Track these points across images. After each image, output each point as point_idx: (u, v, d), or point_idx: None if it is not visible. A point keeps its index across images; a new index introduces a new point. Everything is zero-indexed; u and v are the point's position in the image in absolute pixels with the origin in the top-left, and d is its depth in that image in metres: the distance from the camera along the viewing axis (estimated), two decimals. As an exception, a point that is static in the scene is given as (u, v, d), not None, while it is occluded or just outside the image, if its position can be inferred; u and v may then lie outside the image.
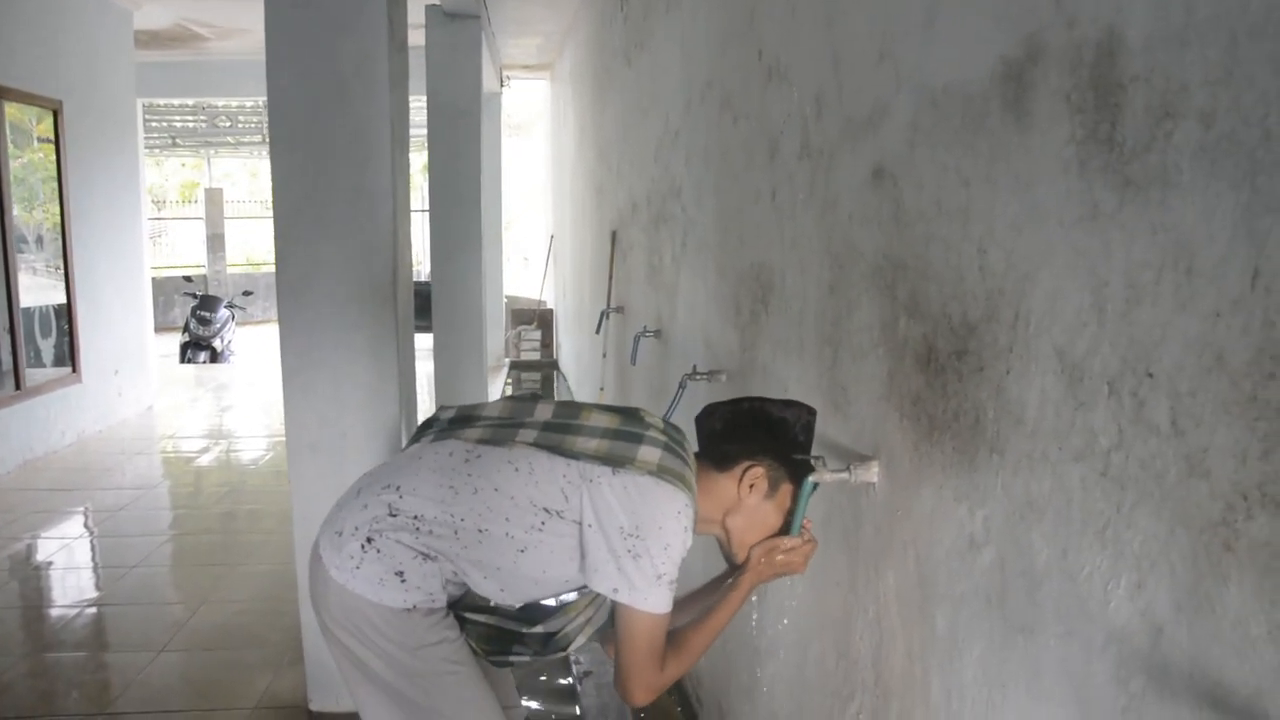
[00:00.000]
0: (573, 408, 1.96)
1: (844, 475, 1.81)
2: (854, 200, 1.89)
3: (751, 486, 1.88)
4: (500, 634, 1.89)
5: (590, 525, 1.77)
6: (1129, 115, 1.09)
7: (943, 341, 1.54)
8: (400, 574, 1.77)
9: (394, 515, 1.79)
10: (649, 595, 1.75)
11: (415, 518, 1.78)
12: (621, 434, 1.85)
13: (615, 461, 1.79)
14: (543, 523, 1.78)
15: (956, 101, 1.48)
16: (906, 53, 1.66)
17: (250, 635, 4.08)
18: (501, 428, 1.90)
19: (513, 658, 1.91)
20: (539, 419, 1.91)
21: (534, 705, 3.59)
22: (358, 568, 1.77)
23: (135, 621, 4.23)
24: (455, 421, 1.96)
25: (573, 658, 3.84)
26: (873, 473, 1.80)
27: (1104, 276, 1.13)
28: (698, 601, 2.02)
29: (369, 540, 1.78)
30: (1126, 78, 1.09)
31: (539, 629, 1.87)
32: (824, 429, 2.07)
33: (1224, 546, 0.96)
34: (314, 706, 3.44)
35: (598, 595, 1.84)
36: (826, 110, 2.03)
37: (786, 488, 1.89)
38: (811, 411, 1.94)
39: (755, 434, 1.92)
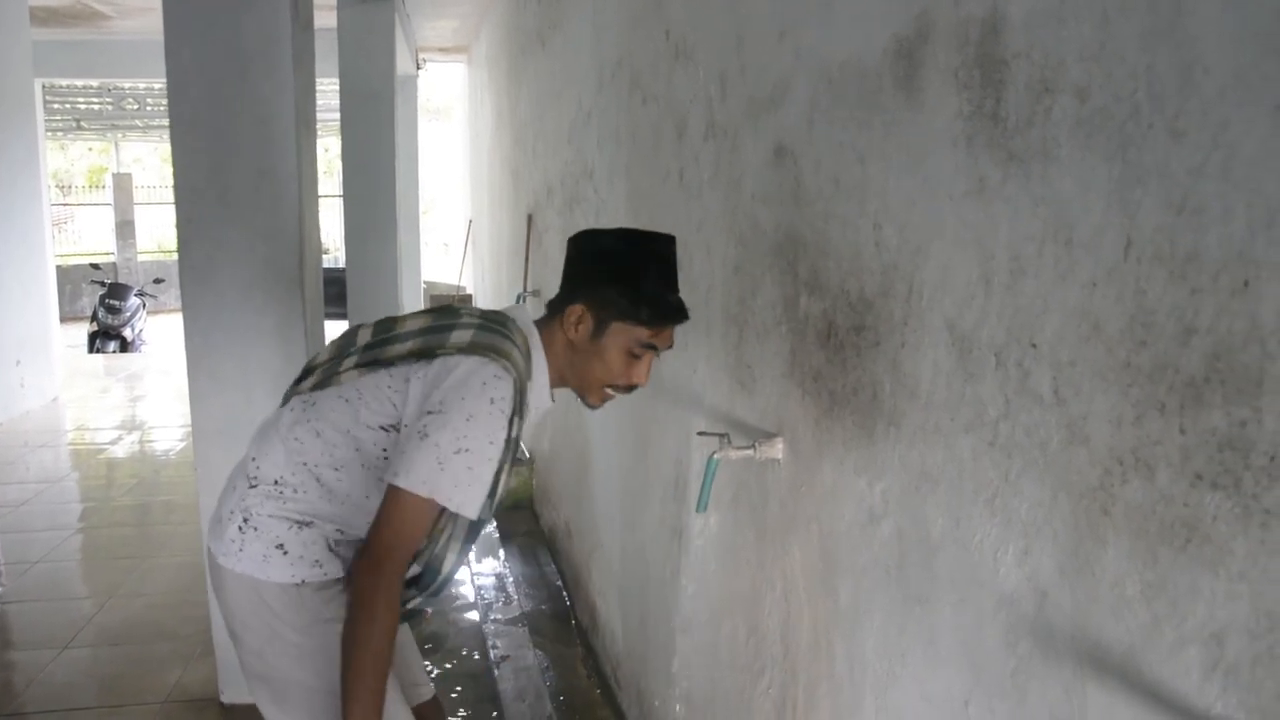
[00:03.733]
0: (389, 322, 1.88)
1: (749, 452, 1.82)
2: (757, 179, 1.90)
3: (577, 326, 1.79)
4: None
5: (408, 423, 1.70)
6: (1011, 91, 1.11)
7: (842, 317, 1.56)
8: (281, 547, 1.74)
9: (254, 486, 1.76)
10: (426, 478, 1.61)
11: (276, 483, 1.75)
12: (433, 329, 1.78)
13: (428, 354, 1.73)
14: (386, 446, 1.73)
15: (852, 79, 1.50)
16: (806, 31, 1.67)
17: (160, 629, 3.99)
18: (329, 367, 1.85)
19: (407, 605, 1.84)
20: (360, 344, 1.85)
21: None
22: (240, 550, 1.75)
23: (38, 618, 4.11)
24: (296, 380, 1.93)
25: (489, 643, 3.83)
26: (777, 449, 1.81)
27: (990, 249, 1.16)
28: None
29: (245, 520, 1.76)
30: (1009, 54, 1.11)
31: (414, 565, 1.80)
32: (730, 408, 2.09)
33: (1102, 511, 0.99)
34: (225, 699, 3.37)
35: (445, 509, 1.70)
36: (730, 89, 2.04)
37: (618, 326, 1.76)
38: (667, 240, 1.84)
39: (588, 271, 1.81)
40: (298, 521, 1.75)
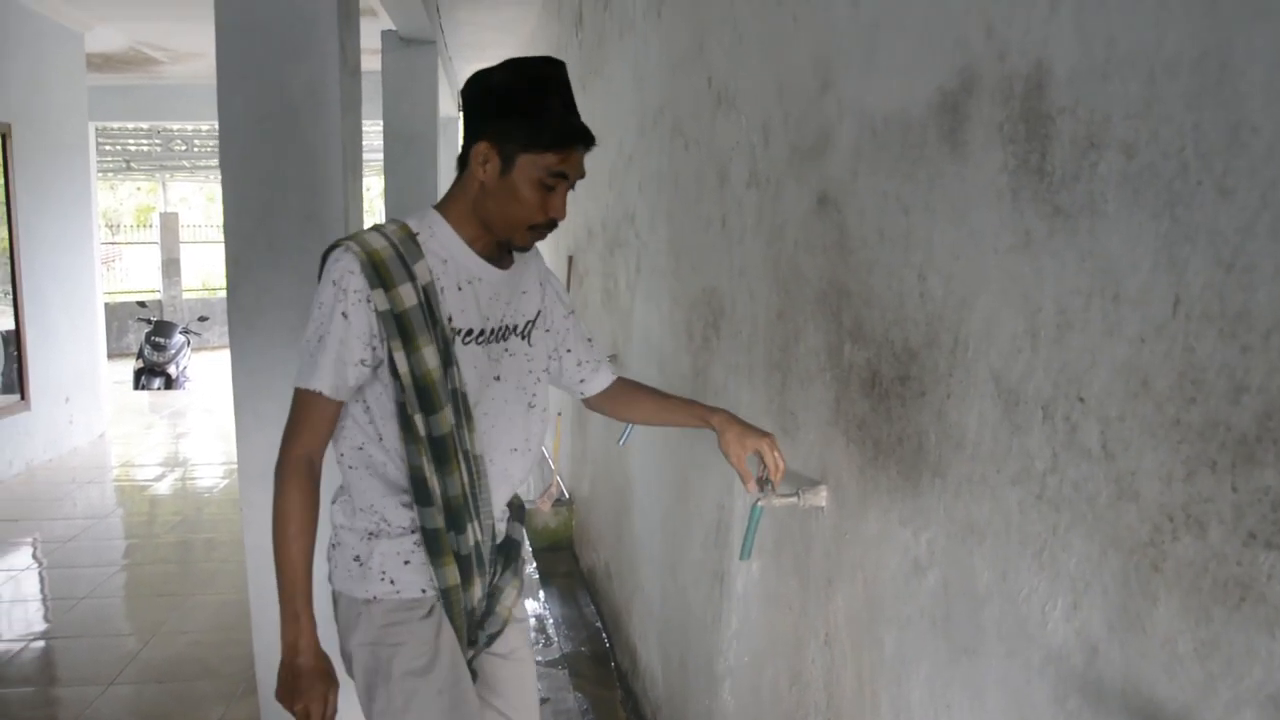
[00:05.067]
0: None
1: (793, 500, 1.82)
2: (800, 228, 1.91)
3: (485, 166, 1.75)
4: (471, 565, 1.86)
5: None
6: (1057, 146, 1.12)
7: (886, 367, 1.56)
8: (357, 559, 1.82)
9: (334, 501, 1.89)
10: (300, 370, 1.74)
11: (342, 488, 1.87)
12: None
13: None
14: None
15: (896, 130, 1.51)
16: (848, 82, 1.69)
17: (203, 666, 4.02)
18: None
19: (497, 582, 1.94)
20: None
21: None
22: (335, 567, 1.86)
23: (84, 654, 4.15)
24: None
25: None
26: (821, 497, 1.81)
27: (1037, 303, 1.16)
28: None
29: (332, 537, 1.88)
30: (1055, 109, 1.12)
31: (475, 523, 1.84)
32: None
33: (1152, 567, 0.98)
34: (267, 737, 3.39)
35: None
36: (773, 138, 2.06)
37: (525, 159, 1.72)
38: (557, 64, 1.79)
39: (484, 109, 1.78)
40: (370, 532, 1.81)
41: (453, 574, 1.80)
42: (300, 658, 1.72)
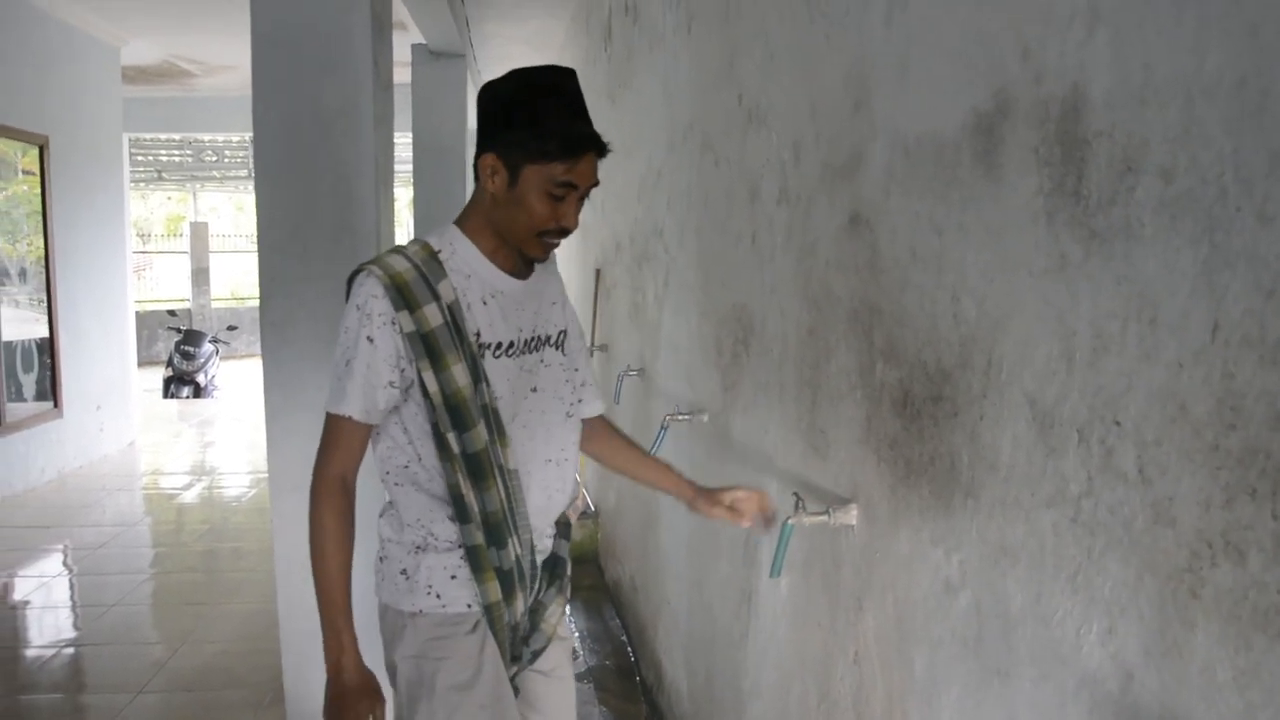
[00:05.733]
0: None
1: (823, 518, 1.82)
2: (831, 246, 1.92)
3: (493, 178, 1.76)
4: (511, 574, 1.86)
5: None
6: (1093, 169, 1.12)
7: (919, 387, 1.56)
8: (404, 572, 1.83)
9: (380, 515, 1.91)
10: (329, 395, 1.77)
11: (389, 501, 1.88)
12: None
13: None
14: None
15: (929, 151, 1.51)
16: (881, 102, 1.69)
17: (231, 676, 4.05)
18: None
19: (542, 598, 1.96)
20: None
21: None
22: (382, 580, 1.88)
23: (114, 662, 4.19)
24: None
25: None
26: (851, 515, 1.81)
27: (1072, 326, 1.16)
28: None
29: (380, 550, 1.90)
30: (1091, 133, 1.12)
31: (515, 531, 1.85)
32: (803, 470, 2.09)
33: (1190, 593, 0.98)
34: (294, 747, 3.41)
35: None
36: (804, 156, 2.06)
37: (531, 169, 1.72)
38: (565, 72, 1.77)
39: (492, 121, 1.78)
40: (416, 546, 1.82)
41: (494, 590, 1.81)
42: (345, 674, 1.74)
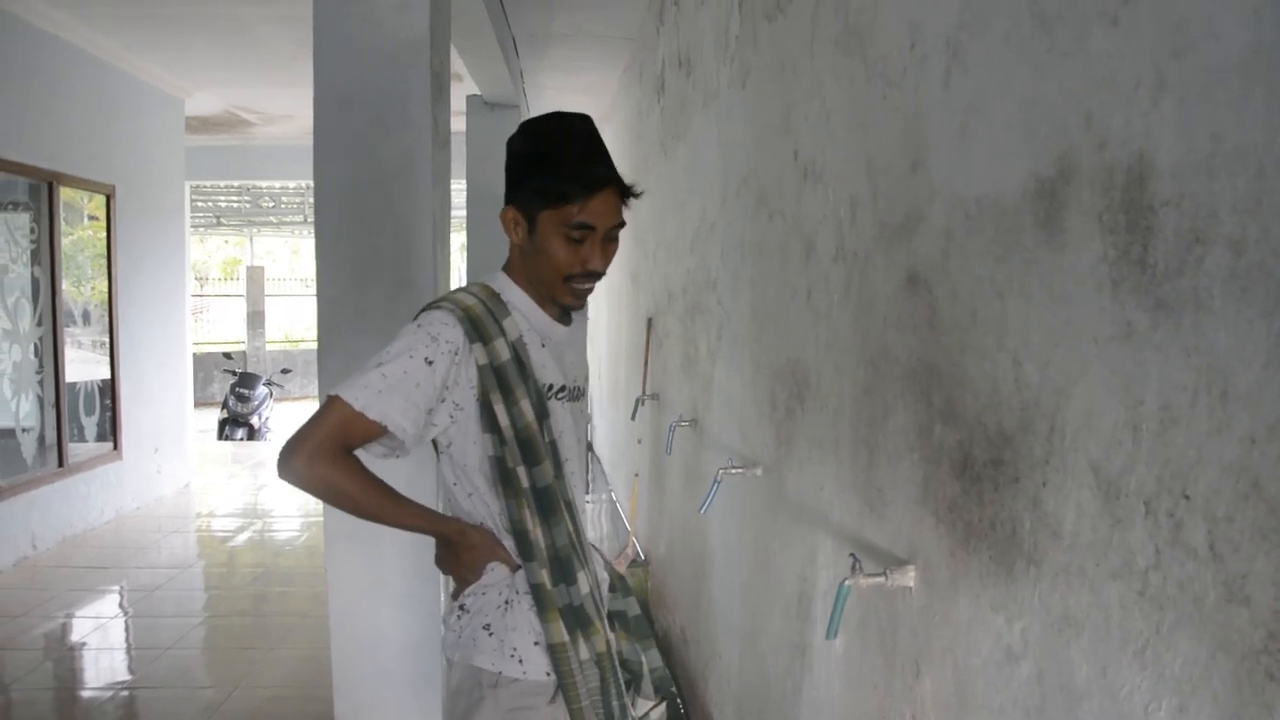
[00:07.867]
0: None
1: (880, 579, 1.80)
2: (889, 304, 1.91)
3: (516, 230, 1.80)
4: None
5: None
6: (1160, 238, 1.11)
7: (979, 450, 1.55)
8: (487, 627, 1.79)
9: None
10: (353, 386, 1.66)
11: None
12: None
13: None
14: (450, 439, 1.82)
15: (990, 214, 1.51)
16: (940, 163, 1.69)
17: (282, 721, 4.07)
18: None
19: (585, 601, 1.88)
20: None
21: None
22: (459, 637, 1.83)
23: (168, 705, 4.23)
24: None
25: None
26: (909, 577, 1.79)
27: (1139, 396, 1.14)
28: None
29: (461, 605, 1.85)
30: (1157, 202, 1.11)
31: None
32: (859, 529, 2.07)
33: (1267, 675, 0.96)
34: (344, 796, 3.41)
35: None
36: (861, 214, 2.06)
37: (546, 215, 1.74)
38: (577, 117, 1.80)
39: (509, 174, 1.83)
40: (506, 600, 1.80)
41: (559, 630, 1.77)
42: (470, 532, 1.80)
